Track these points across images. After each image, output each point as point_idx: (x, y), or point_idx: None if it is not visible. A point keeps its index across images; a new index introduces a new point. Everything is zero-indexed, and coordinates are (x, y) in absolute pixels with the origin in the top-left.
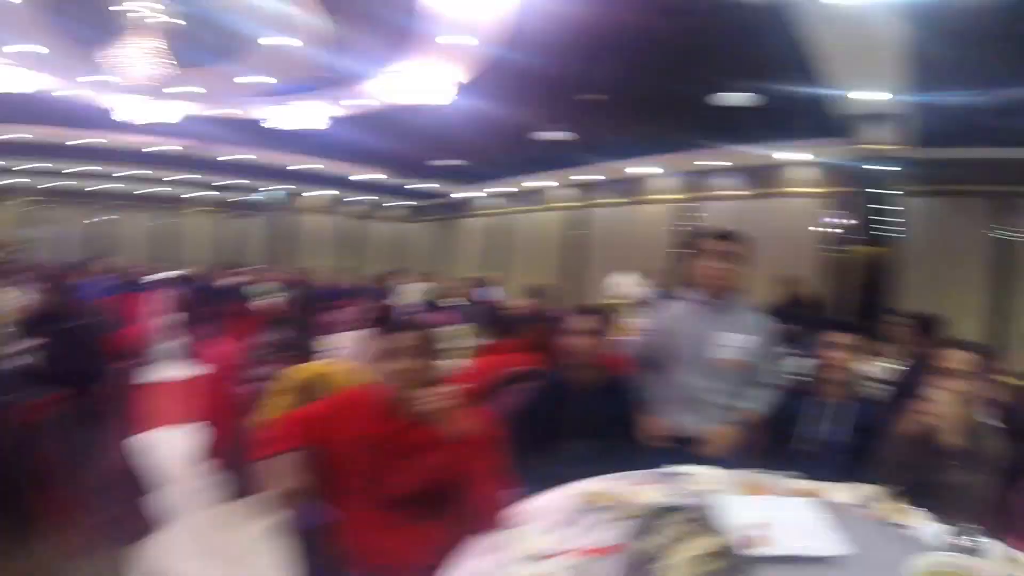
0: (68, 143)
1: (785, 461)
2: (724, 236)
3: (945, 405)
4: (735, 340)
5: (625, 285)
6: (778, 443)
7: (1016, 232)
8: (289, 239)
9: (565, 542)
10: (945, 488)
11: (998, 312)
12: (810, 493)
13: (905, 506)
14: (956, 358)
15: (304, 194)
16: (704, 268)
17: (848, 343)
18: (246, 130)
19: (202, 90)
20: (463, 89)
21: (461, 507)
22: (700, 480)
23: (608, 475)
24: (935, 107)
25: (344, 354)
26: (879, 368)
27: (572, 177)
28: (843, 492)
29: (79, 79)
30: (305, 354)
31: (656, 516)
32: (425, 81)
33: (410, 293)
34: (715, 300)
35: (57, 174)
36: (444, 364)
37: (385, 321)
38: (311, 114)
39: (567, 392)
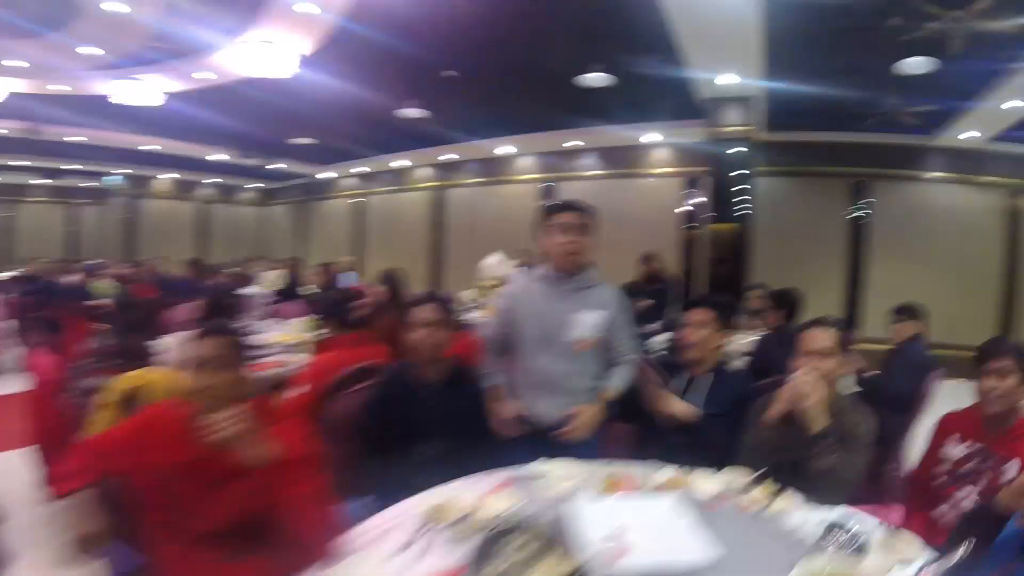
0: None
1: (648, 442)
2: (570, 207)
3: (808, 386)
4: (588, 318)
5: (499, 266)
6: (640, 423)
7: (868, 212)
8: (137, 228)
9: (403, 570)
10: (816, 471)
11: (854, 284)
12: (675, 485)
13: (776, 493)
14: (816, 338)
15: (150, 178)
16: (552, 243)
17: (706, 319)
18: (80, 109)
19: (25, 64)
20: (312, 63)
21: (282, 539)
22: (555, 481)
23: (458, 480)
24: (787, 92)
25: (170, 359)
26: (740, 342)
27: (434, 157)
28: (711, 482)
29: None
30: (133, 360)
31: (502, 535)
32: (271, 53)
33: (267, 282)
34: (564, 276)
35: None
36: (269, 369)
37: (215, 319)
38: (149, 89)
39: (410, 389)
